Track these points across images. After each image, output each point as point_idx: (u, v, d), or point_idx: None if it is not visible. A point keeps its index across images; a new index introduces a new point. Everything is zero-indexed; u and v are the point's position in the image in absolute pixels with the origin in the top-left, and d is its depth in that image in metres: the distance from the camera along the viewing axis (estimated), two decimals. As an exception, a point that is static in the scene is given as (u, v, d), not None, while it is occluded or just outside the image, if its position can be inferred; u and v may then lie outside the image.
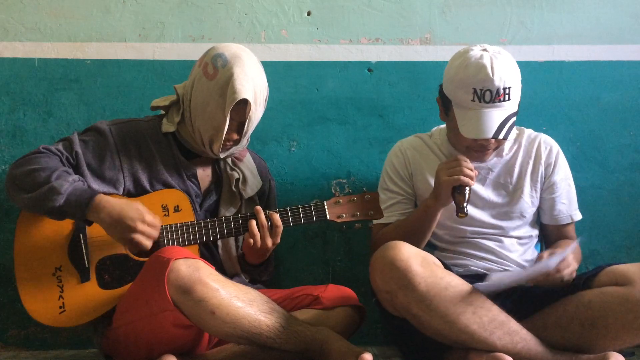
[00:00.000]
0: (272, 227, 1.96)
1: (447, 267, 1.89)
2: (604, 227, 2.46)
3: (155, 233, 1.89)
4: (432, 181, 2.05)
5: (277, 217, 1.96)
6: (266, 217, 1.96)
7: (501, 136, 1.92)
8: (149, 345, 1.82)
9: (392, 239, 1.93)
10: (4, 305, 2.37)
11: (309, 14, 2.48)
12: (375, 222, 2.14)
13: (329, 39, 2.48)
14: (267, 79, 2.06)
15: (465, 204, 1.92)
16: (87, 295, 1.93)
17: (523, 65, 2.04)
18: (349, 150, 2.47)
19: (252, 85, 1.96)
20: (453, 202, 1.95)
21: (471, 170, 1.93)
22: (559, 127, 2.45)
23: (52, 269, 1.95)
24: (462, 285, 1.81)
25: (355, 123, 2.48)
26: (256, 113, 2.01)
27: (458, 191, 1.93)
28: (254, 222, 1.95)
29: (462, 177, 1.91)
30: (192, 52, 2.42)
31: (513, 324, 1.81)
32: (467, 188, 1.93)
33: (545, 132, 2.17)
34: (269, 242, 1.96)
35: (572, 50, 2.49)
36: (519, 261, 2.08)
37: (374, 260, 1.85)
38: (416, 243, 1.96)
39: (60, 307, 1.92)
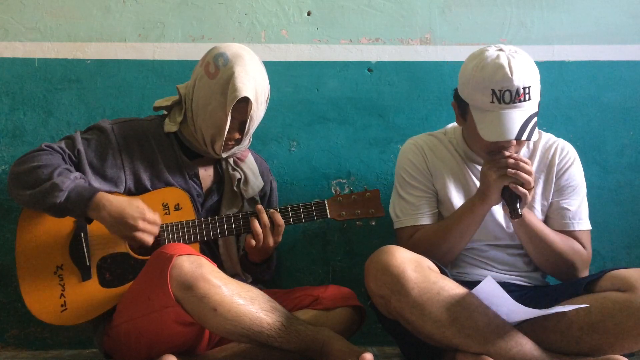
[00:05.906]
0: (274, 226, 1.97)
1: (443, 271, 1.86)
2: (604, 227, 2.45)
3: (155, 230, 1.90)
4: (451, 185, 2.03)
5: (278, 215, 1.98)
6: (268, 215, 1.96)
7: (524, 137, 1.82)
8: (149, 343, 1.82)
9: (431, 243, 1.93)
10: (4, 305, 2.36)
11: (309, 14, 2.48)
12: (403, 225, 2.04)
13: (329, 39, 2.48)
14: (267, 79, 2.06)
15: (517, 204, 1.82)
16: (88, 294, 1.93)
17: (523, 65, 2.04)
18: (349, 150, 2.47)
19: (253, 83, 1.96)
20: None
21: (526, 163, 1.84)
22: (559, 127, 2.45)
23: (53, 268, 1.95)
24: (457, 289, 1.79)
25: (355, 123, 2.48)
26: (257, 112, 2.01)
27: (509, 190, 1.83)
28: (256, 221, 1.96)
29: (520, 174, 1.82)
30: (192, 52, 2.42)
31: (509, 328, 1.78)
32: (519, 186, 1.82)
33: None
34: (271, 241, 1.97)
35: (572, 50, 2.49)
36: (525, 271, 2.06)
37: (368, 265, 1.83)
38: (457, 247, 1.96)
39: (62, 306, 1.93)
